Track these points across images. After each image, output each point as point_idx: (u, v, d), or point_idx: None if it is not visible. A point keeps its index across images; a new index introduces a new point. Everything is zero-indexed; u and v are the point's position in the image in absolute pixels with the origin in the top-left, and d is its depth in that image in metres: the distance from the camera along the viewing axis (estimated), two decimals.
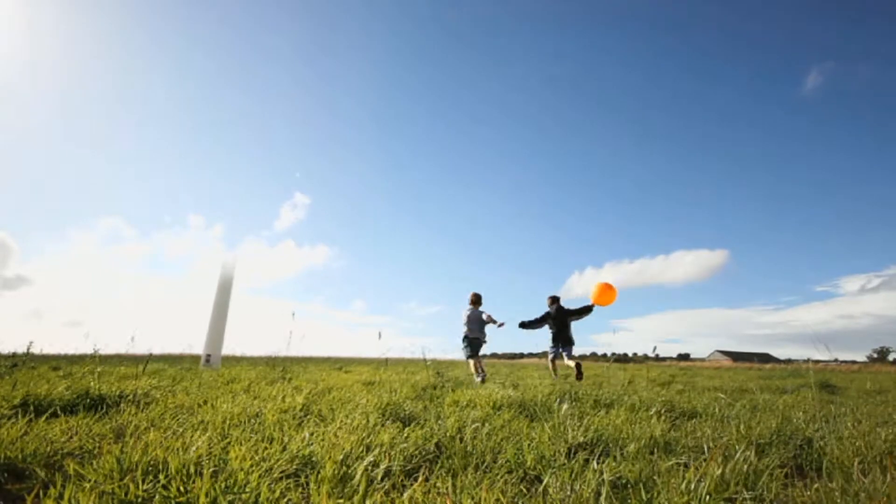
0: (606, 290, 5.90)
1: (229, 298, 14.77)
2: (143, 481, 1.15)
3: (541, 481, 1.30)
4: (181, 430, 1.79)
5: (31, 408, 2.19)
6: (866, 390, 5.39)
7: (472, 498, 1.14)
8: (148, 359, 4.49)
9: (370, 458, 1.37)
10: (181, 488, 1.12)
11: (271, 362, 9.49)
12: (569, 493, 1.18)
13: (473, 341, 5.91)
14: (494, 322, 5.89)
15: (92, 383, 2.80)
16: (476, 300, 6.15)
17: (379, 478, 1.28)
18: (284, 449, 1.45)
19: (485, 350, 6.24)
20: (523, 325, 6.17)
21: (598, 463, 1.40)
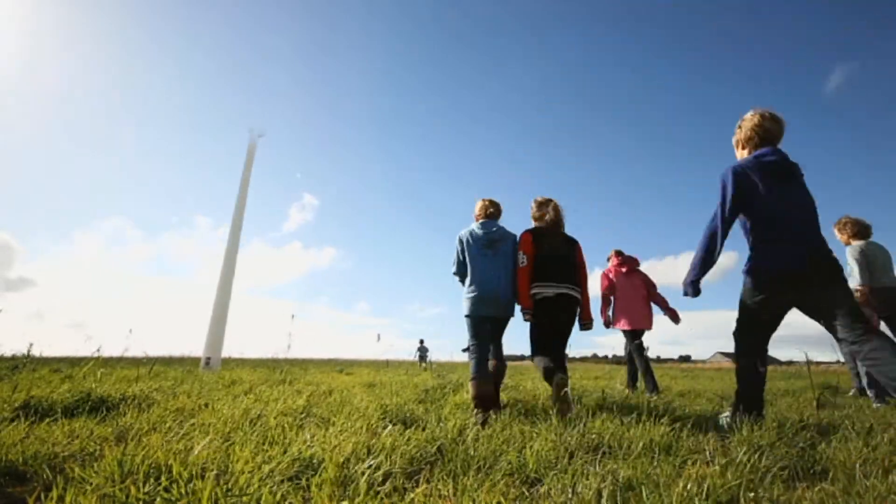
0: None
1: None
2: (145, 484, 1.15)
3: (542, 483, 1.29)
4: (182, 432, 1.79)
5: (33, 410, 2.19)
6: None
7: (474, 501, 1.14)
8: (154, 363, 4.49)
9: (371, 460, 1.37)
10: (183, 491, 1.12)
11: (272, 365, 9.48)
12: (570, 495, 1.18)
13: (423, 355, 15.66)
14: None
15: (93, 386, 2.80)
16: (422, 342, 16.31)
17: (380, 480, 1.27)
18: (285, 451, 1.45)
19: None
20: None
21: (599, 465, 1.40)
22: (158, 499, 1.10)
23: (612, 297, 4.78)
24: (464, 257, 3.05)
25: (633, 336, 4.55)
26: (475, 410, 2.56)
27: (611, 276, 4.82)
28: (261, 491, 1.12)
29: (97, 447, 1.55)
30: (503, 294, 2.94)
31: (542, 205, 3.19)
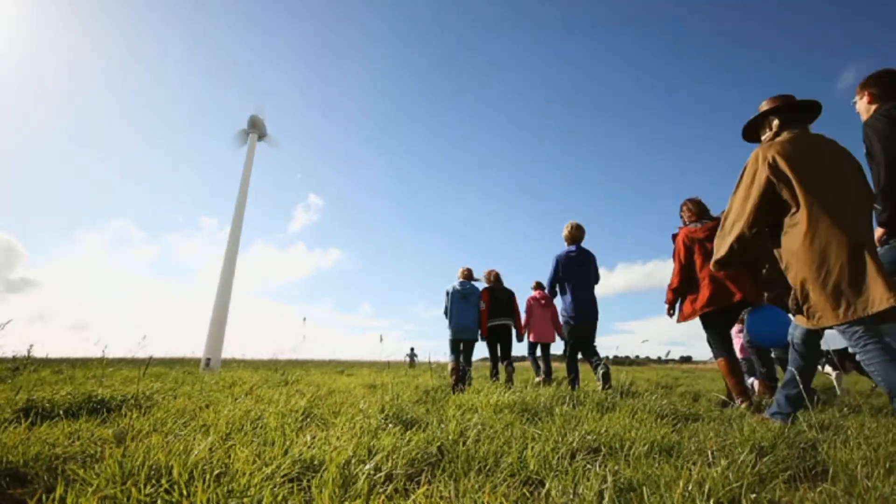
0: None
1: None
2: (146, 485, 1.15)
3: (543, 485, 1.29)
4: (183, 433, 1.79)
5: (34, 412, 2.19)
6: (870, 393, 5.36)
7: (475, 502, 1.14)
8: (148, 362, 4.50)
9: (372, 462, 1.37)
10: (183, 492, 1.12)
11: (273, 366, 9.48)
12: (571, 496, 1.18)
13: (412, 360, 18.54)
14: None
15: (94, 387, 2.80)
16: (412, 349, 19.42)
17: (381, 482, 1.27)
18: (286, 453, 1.45)
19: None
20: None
21: (600, 466, 1.40)
22: (159, 500, 1.10)
23: (530, 319, 6.74)
24: (449, 303, 5.29)
25: (541, 346, 6.64)
26: (452, 384, 4.71)
27: (531, 303, 6.77)
28: (262, 492, 1.12)
29: (98, 448, 1.55)
30: (472, 326, 5.23)
31: (489, 273, 5.72)
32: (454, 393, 4.29)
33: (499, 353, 5.51)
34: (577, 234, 4.63)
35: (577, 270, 4.45)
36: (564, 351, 4.66)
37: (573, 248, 4.56)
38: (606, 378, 4.18)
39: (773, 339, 3.15)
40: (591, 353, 4.42)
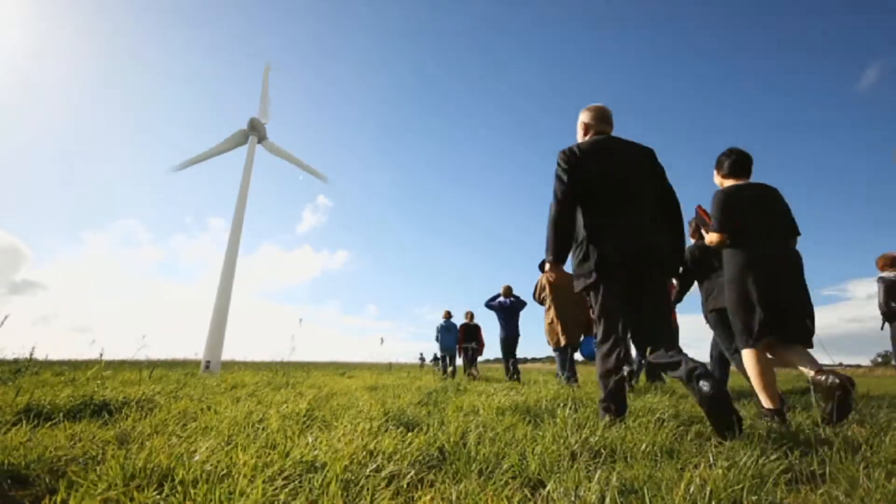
0: None
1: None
2: (148, 487, 1.15)
3: (544, 487, 1.29)
4: (185, 435, 1.79)
5: (35, 414, 2.20)
6: (870, 395, 5.35)
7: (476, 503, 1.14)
8: (154, 366, 4.50)
9: (374, 464, 1.37)
10: (185, 494, 1.12)
11: (274, 368, 9.48)
12: (573, 498, 1.18)
13: (423, 361, 20.17)
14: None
15: (96, 389, 2.80)
16: (422, 353, 23.64)
17: (383, 484, 1.27)
18: (288, 455, 1.45)
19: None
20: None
21: (601, 468, 1.40)
22: (161, 502, 1.10)
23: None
24: (439, 335, 10.33)
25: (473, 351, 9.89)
26: (443, 376, 8.15)
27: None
28: (263, 494, 1.12)
29: (100, 451, 1.55)
30: (452, 347, 10.17)
31: (467, 315, 10.10)
32: (443, 376, 8.48)
33: (469, 360, 9.82)
34: (508, 290, 7.62)
35: (509, 313, 7.44)
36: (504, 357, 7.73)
37: (506, 300, 7.51)
38: (516, 377, 7.24)
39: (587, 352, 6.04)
40: (513, 363, 7.56)
